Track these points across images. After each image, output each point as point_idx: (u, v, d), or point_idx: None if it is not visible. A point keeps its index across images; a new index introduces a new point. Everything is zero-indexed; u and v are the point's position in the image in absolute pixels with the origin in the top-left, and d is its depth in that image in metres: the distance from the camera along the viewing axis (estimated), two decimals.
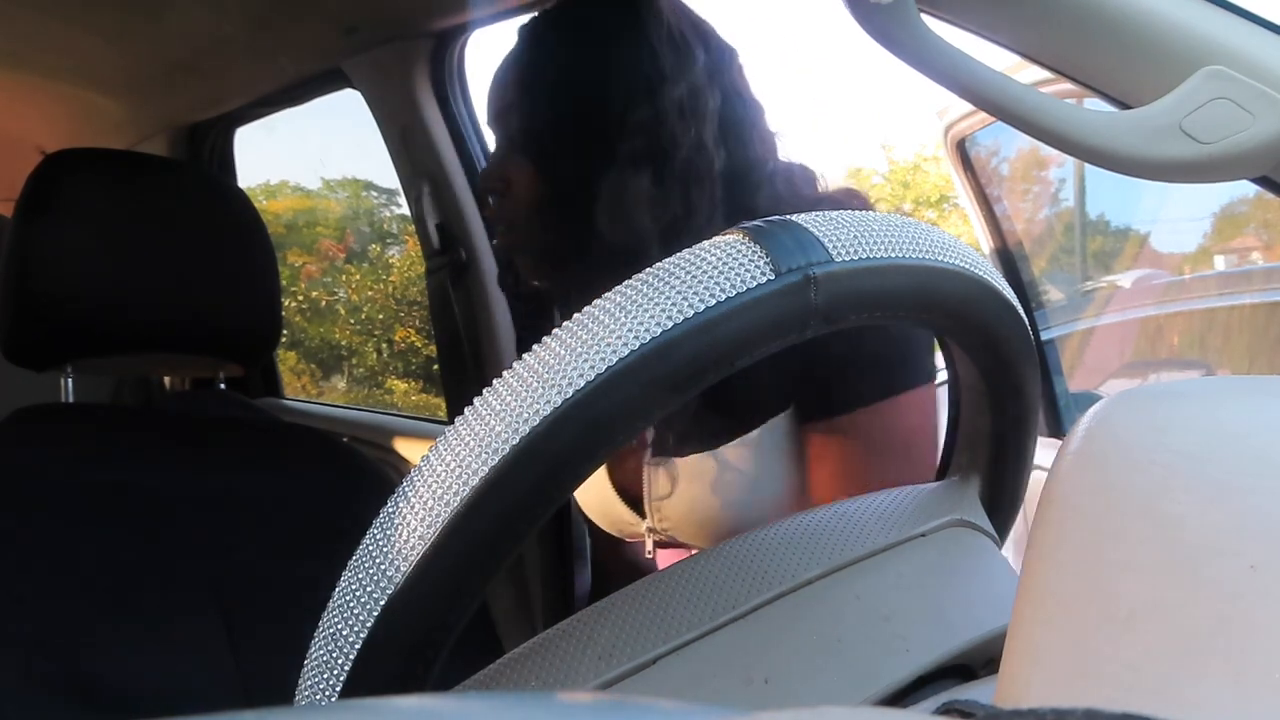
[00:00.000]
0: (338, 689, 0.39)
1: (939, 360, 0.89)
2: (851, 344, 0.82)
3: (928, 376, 0.88)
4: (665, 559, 1.03)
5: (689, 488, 0.92)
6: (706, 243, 0.40)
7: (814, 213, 0.43)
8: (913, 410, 0.86)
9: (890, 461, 0.87)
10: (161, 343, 0.96)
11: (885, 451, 0.87)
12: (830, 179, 0.99)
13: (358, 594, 0.39)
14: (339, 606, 0.39)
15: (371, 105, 1.61)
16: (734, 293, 0.38)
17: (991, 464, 0.56)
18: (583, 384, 0.37)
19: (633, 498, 1.00)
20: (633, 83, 0.82)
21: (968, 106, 1.76)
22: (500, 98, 0.90)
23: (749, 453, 0.89)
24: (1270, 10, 0.62)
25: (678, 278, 0.38)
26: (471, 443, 0.37)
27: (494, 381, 0.39)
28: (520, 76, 0.88)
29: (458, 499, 0.37)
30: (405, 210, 1.67)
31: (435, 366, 1.74)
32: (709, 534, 0.94)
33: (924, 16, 0.64)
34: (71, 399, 1.00)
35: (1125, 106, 0.64)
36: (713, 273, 0.38)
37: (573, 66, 0.85)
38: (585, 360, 0.37)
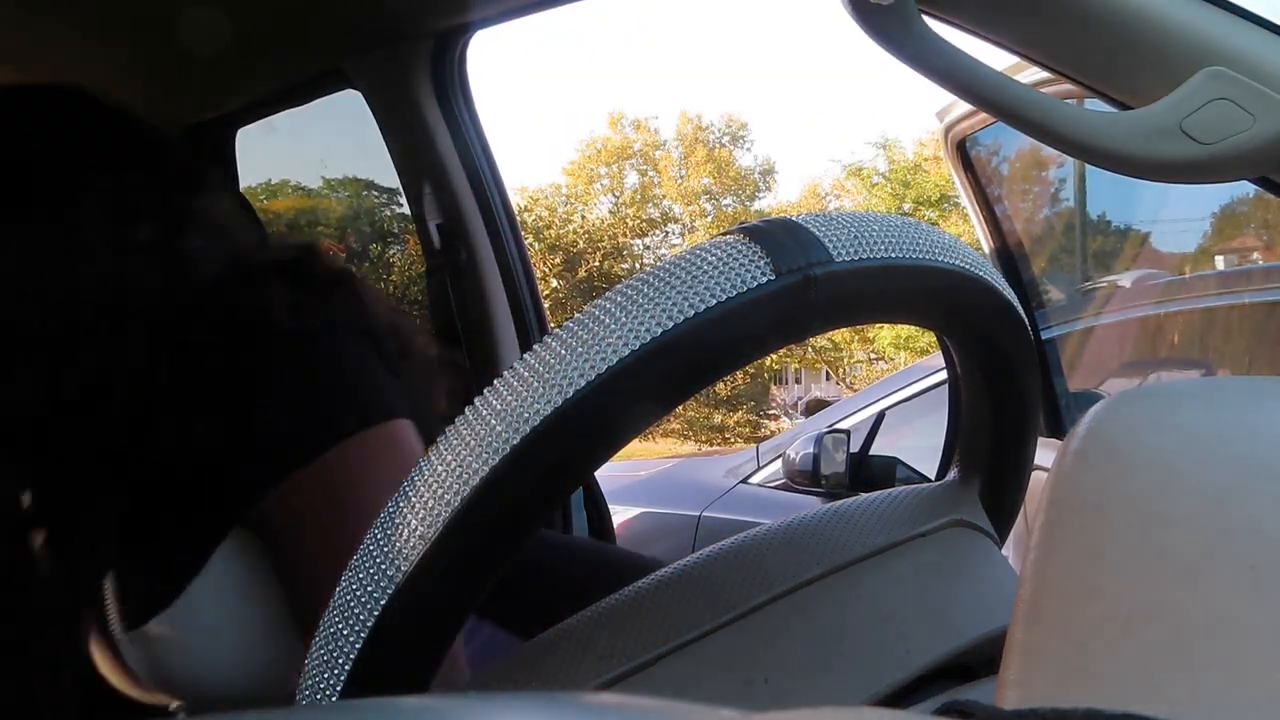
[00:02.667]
0: (338, 689, 0.39)
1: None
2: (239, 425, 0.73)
3: (370, 417, 0.75)
4: None
5: (183, 657, 0.78)
6: (707, 242, 0.40)
7: (814, 213, 0.43)
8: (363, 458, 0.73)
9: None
10: None
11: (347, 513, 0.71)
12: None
13: (358, 594, 0.39)
14: (339, 606, 0.39)
15: (373, 106, 1.61)
16: (734, 293, 0.38)
17: (991, 464, 0.56)
18: (583, 384, 0.37)
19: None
20: None
21: (968, 107, 1.76)
22: None
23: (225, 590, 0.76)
24: (1270, 11, 0.62)
25: (678, 278, 0.38)
26: (472, 442, 0.37)
27: (494, 381, 0.39)
28: None
29: (458, 499, 0.37)
30: (406, 210, 1.67)
31: None
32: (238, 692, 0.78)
33: (924, 16, 0.64)
34: None
35: (1126, 107, 0.64)
36: (713, 273, 0.38)
37: None
38: (585, 360, 0.37)
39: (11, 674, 0.72)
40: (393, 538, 0.38)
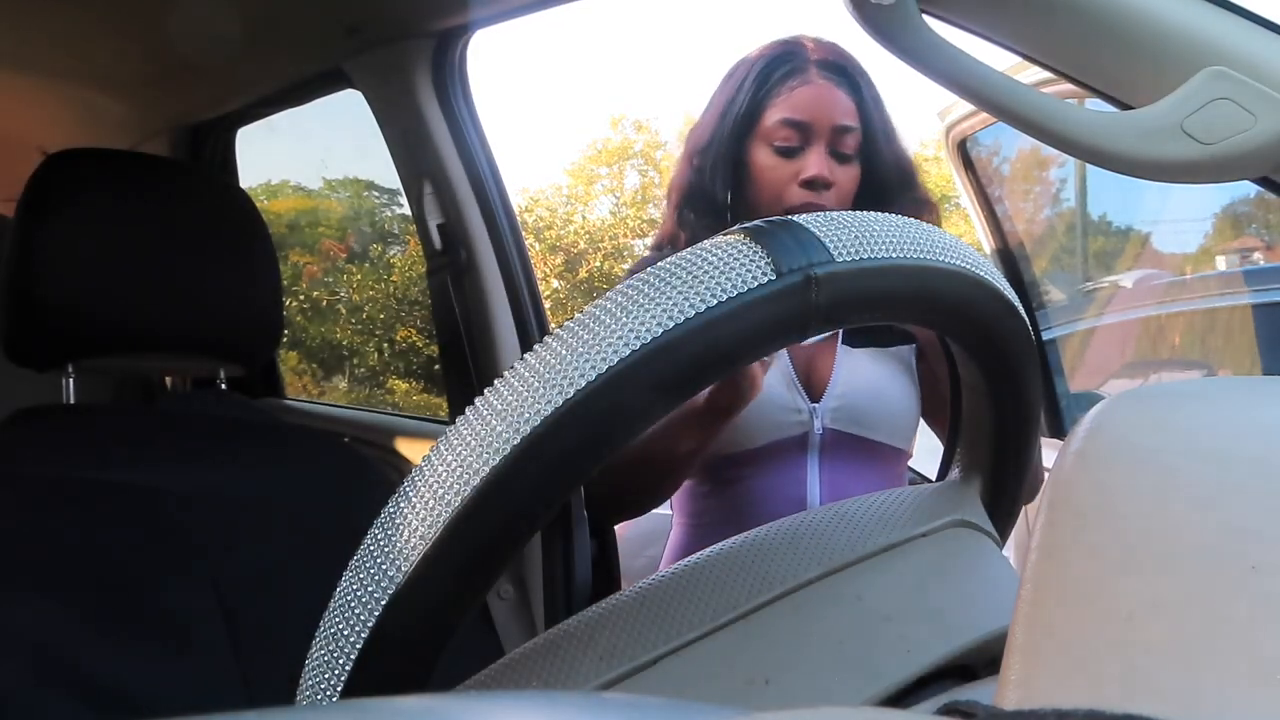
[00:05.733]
0: (338, 689, 0.39)
1: None
2: None
3: None
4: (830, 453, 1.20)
5: (868, 374, 1.20)
6: (708, 242, 0.40)
7: (815, 213, 0.43)
8: None
9: None
10: (163, 343, 0.96)
11: None
12: None
13: (358, 594, 0.39)
14: (340, 606, 0.39)
15: (373, 106, 1.61)
16: (735, 293, 0.38)
17: (992, 464, 0.56)
18: (584, 384, 0.37)
19: (809, 384, 1.22)
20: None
21: (969, 107, 1.76)
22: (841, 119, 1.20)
23: (898, 360, 1.21)
24: (1271, 10, 0.62)
25: (679, 278, 0.38)
26: (473, 442, 0.37)
27: (495, 381, 0.39)
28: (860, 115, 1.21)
29: (459, 499, 0.37)
30: (406, 210, 1.67)
31: (436, 366, 1.74)
32: (873, 417, 1.19)
33: (925, 16, 0.64)
34: (73, 399, 1.00)
35: (1126, 107, 0.64)
36: (714, 273, 0.38)
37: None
38: (586, 360, 0.37)
39: None
40: (393, 537, 0.38)
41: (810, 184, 1.16)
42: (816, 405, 1.18)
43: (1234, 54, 0.60)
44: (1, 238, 0.93)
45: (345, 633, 0.39)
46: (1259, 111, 0.59)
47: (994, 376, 0.51)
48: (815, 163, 1.16)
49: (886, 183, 1.20)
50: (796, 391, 1.19)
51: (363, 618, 0.38)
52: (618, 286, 0.40)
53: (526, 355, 0.39)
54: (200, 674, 0.85)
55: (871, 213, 0.43)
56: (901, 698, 0.47)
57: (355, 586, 0.39)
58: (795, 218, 0.41)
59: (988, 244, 1.95)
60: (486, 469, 0.37)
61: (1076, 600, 0.29)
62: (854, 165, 1.19)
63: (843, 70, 1.20)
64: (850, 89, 1.19)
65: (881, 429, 1.19)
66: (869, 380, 1.19)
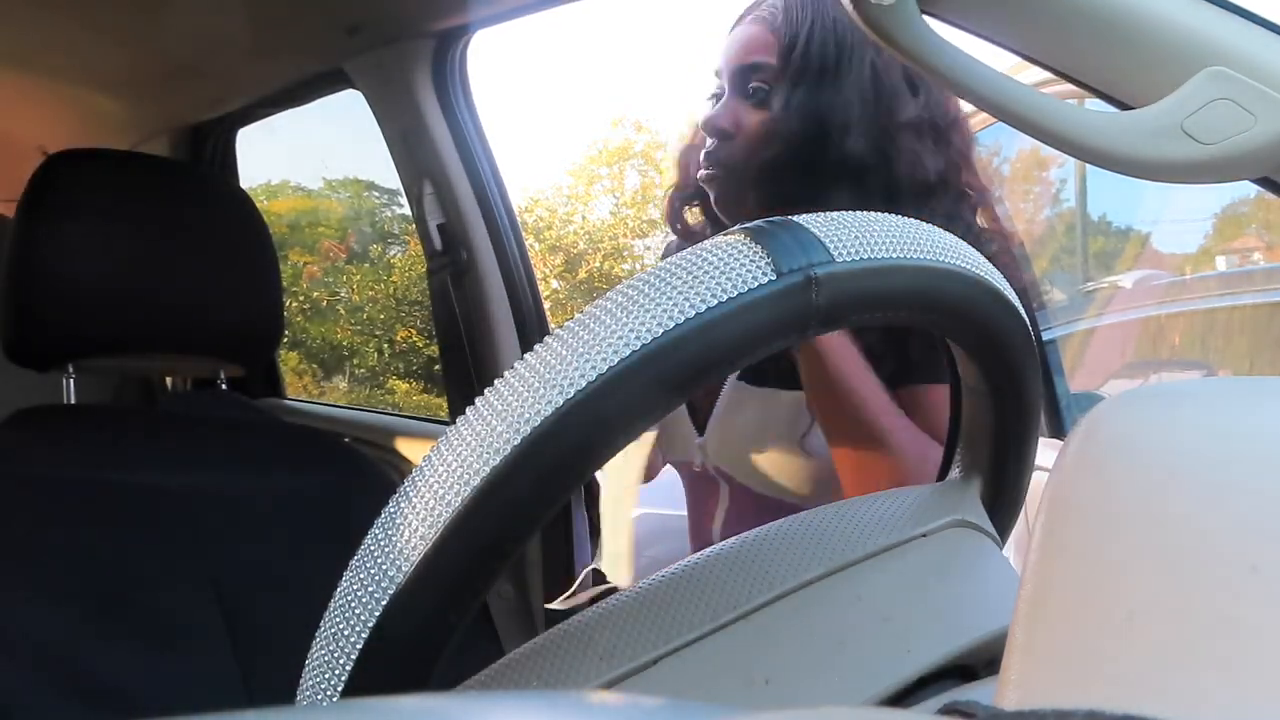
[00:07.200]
0: (339, 689, 0.39)
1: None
2: (899, 335, 0.94)
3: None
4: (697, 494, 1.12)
5: (750, 416, 1.02)
6: (708, 242, 0.40)
7: (816, 213, 0.43)
8: (941, 403, 0.82)
9: (927, 443, 0.92)
10: (163, 343, 0.97)
11: (928, 429, 0.93)
12: None
13: (359, 594, 0.39)
14: (340, 606, 0.39)
15: (373, 106, 1.61)
16: (735, 293, 0.38)
17: (992, 464, 0.56)
18: (584, 384, 0.37)
19: (701, 416, 1.09)
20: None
21: (969, 107, 1.76)
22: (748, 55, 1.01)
23: (792, 406, 0.99)
24: (1271, 10, 0.62)
25: (679, 278, 0.38)
26: (473, 442, 0.37)
27: (495, 381, 0.39)
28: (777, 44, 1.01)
29: (459, 499, 0.37)
30: (406, 210, 1.67)
31: (437, 366, 1.75)
32: (745, 464, 1.02)
33: (925, 16, 0.64)
34: (73, 399, 1.00)
35: (1126, 107, 0.64)
36: (714, 273, 0.38)
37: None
38: (587, 360, 0.37)
39: None
40: (394, 538, 0.38)
41: (706, 133, 1.01)
42: (702, 439, 1.07)
43: (1234, 54, 0.60)
44: (1, 238, 0.93)
45: (345, 633, 0.39)
46: (1259, 111, 0.59)
47: (994, 376, 0.51)
48: (713, 109, 1.00)
49: (797, 134, 0.97)
50: (691, 420, 1.10)
51: (363, 618, 0.38)
52: (618, 286, 0.40)
53: (526, 355, 0.39)
54: (200, 674, 0.85)
55: (872, 213, 0.43)
56: (901, 698, 0.47)
57: (355, 586, 0.39)
58: (796, 218, 0.42)
59: None
60: (486, 469, 0.37)
61: (1076, 600, 0.29)
62: (766, 109, 0.99)
63: (780, 10, 1.00)
64: (783, 25, 0.99)
65: (753, 477, 1.02)
66: (746, 423, 1.03)
